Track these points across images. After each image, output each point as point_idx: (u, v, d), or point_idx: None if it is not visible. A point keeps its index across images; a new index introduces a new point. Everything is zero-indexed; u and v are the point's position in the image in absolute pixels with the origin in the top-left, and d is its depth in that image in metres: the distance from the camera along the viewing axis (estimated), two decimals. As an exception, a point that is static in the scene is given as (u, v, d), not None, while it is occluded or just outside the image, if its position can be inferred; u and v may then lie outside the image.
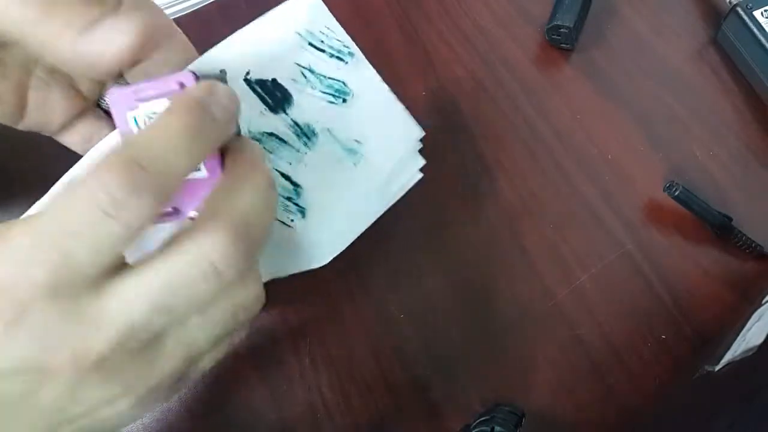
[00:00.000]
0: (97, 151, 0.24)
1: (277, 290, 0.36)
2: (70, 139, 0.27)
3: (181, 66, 0.23)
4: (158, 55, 0.23)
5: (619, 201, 0.38)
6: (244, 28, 0.26)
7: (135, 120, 0.21)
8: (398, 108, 0.33)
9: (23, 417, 0.18)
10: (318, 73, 0.29)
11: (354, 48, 0.31)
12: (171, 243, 0.19)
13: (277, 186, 0.23)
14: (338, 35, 0.30)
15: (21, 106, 0.25)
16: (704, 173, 0.38)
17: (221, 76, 0.22)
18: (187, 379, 0.22)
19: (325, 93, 0.29)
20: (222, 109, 0.20)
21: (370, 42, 0.44)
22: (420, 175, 0.35)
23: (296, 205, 0.28)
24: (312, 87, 0.29)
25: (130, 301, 0.18)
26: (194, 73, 0.21)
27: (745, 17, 0.40)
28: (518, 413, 0.30)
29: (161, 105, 0.21)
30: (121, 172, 0.17)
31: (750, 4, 0.40)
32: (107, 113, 0.28)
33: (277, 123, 0.27)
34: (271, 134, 0.27)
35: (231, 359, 0.34)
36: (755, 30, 0.40)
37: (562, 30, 0.41)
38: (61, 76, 0.26)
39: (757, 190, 0.38)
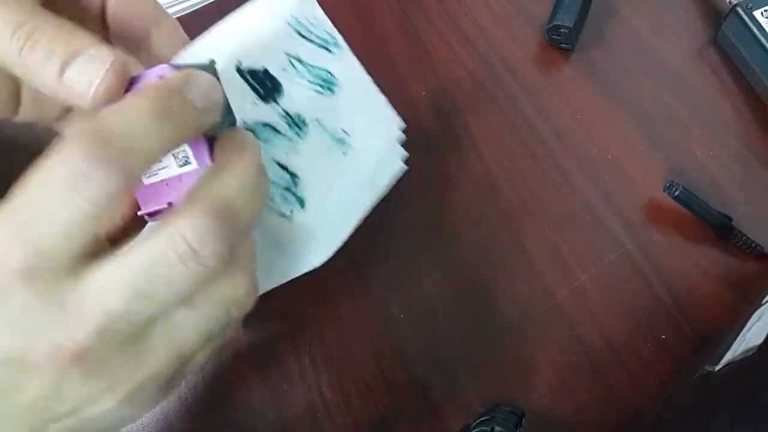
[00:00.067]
0: None
1: (277, 290, 0.36)
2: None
3: (172, 54, 0.23)
4: (148, 44, 0.23)
5: (619, 201, 0.38)
6: (232, 15, 0.26)
7: None
8: (381, 99, 0.34)
9: (7, 415, 0.18)
10: (306, 63, 0.29)
11: (340, 40, 0.31)
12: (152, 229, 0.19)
13: (269, 175, 0.23)
14: (325, 26, 0.30)
15: (15, 101, 0.24)
16: (704, 173, 0.39)
17: (210, 66, 0.22)
18: (179, 380, 0.22)
19: (312, 83, 0.29)
20: (201, 96, 0.20)
21: (370, 42, 0.44)
22: (405, 167, 0.35)
23: (294, 195, 0.28)
24: (301, 77, 0.28)
25: (109, 287, 0.18)
26: (173, 65, 0.21)
27: (745, 17, 0.40)
28: (518, 413, 0.30)
29: None
30: (83, 145, 0.17)
31: (750, 4, 0.40)
32: None
33: (269, 113, 0.26)
34: (265, 124, 0.26)
35: (231, 359, 0.34)
36: (755, 30, 0.40)
37: (562, 30, 0.41)
38: None
39: (757, 190, 0.38)
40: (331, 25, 0.31)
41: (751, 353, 0.29)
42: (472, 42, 0.44)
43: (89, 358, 0.18)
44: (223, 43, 0.25)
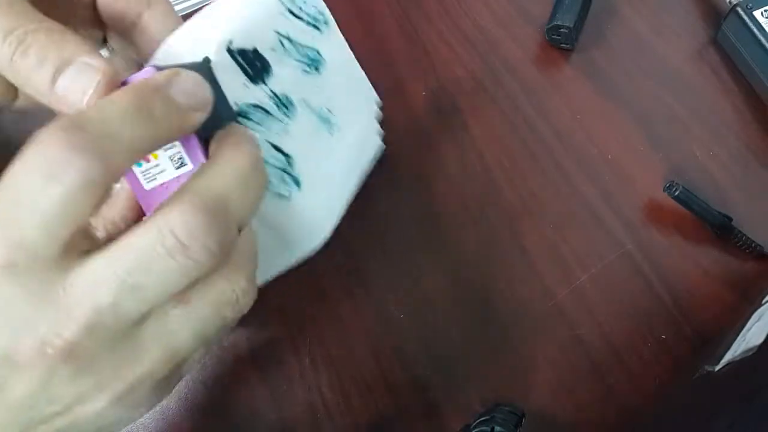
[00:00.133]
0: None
1: (277, 290, 0.36)
2: None
3: (164, 35, 0.23)
4: (141, 25, 0.23)
5: (619, 201, 0.38)
6: None
7: None
8: (361, 76, 0.34)
9: None
10: (295, 42, 0.28)
11: (328, 16, 0.30)
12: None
13: (264, 156, 0.22)
14: (315, 2, 0.30)
15: (14, 88, 0.24)
16: (704, 173, 0.38)
17: (204, 65, 0.22)
18: (174, 382, 0.21)
19: (300, 62, 0.28)
20: (185, 94, 0.19)
21: (370, 42, 0.44)
22: (383, 146, 0.35)
23: (290, 175, 0.28)
24: (289, 56, 0.28)
25: (97, 281, 0.17)
26: (157, 67, 0.20)
27: (745, 17, 0.40)
28: (518, 413, 0.30)
29: None
30: (59, 134, 0.17)
31: (750, 4, 0.40)
32: None
33: (259, 94, 0.26)
34: (256, 106, 0.26)
35: (231, 359, 0.34)
36: (755, 30, 0.40)
37: (562, 30, 0.41)
38: None
39: (757, 190, 0.38)
40: (321, 0, 0.30)
41: (751, 353, 0.29)
42: (472, 42, 0.44)
43: (78, 355, 0.17)
44: (215, 22, 0.24)
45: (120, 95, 0.18)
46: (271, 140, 0.27)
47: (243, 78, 0.25)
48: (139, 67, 0.24)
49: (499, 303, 0.35)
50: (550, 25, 0.42)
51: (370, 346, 0.34)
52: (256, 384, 0.34)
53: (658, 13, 0.44)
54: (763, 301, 0.33)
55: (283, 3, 0.27)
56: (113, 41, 0.27)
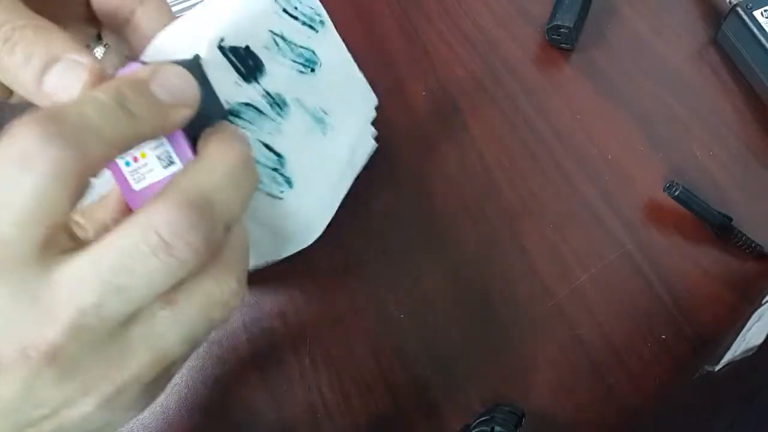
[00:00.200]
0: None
1: (277, 290, 0.36)
2: None
3: (157, 31, 0.23)
4: (134, 21, 0.22)
5: (619, 201, 0.38)
6: None
7: None
8: (359, 77, 0.34)
9: None
10: (290, 41, 0.28)
11: (325, 16, 0.30)
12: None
13: (255, 164, 0.22)
14: (310, 2, 0.29)
15: (7, 87, 0.24)
16: (704, 173, 0.38)
17: (194, 62, 0.22)
18: (164, 384, 0.21)
19: (295, 62, 0.28)
20: (167, 90, 0.19)
21: (370, 42, 0.44)
22: (375, 144, 0.35)
23: (282, 175, 0.27)
24: (283, 55, 0.28)
25: (80, 280, 0.17)
26: (143, 63, 0.20)
27: (745, 17, 0.40)
28: (518, 413, 0.30)
29: None
30: (32, 125, 0.16)
31: (750, 4, 0.40)
32: None
33: (251, 93, 0.26)
34: (248, 105, 0.25)
35: (231, 359, 0.34)
36: (755, 30, 0.40)
37: (562, 30, 0.41)
38: None
39: (757, 190, 0.38)
40: (318, 0, 0.30)
41: (751, 353, 0.29)
42: (472, 42, 0.44)
43: (62, 358, 0.17)
44: (207, 19, 0.24)
45: (99, 89, 0.18)
46: (263, 140, 0.26)
47: (235, 76, 0.25)
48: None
49: (499, 303, 0.35)
50: (550, 25, 0.42)
51: (370, 346, 0.34)
52: (256, 384, 0.34)
53: (658, 13, 0.44)
54: (763, 301, 0.33)
55: (277, 2, 0.27)
56: (108, 38, 0.27)
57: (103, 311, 0.17)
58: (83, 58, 0.19)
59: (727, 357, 0.31)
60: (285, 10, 0.28)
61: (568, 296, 0.35)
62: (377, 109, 0.36)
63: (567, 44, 0.42)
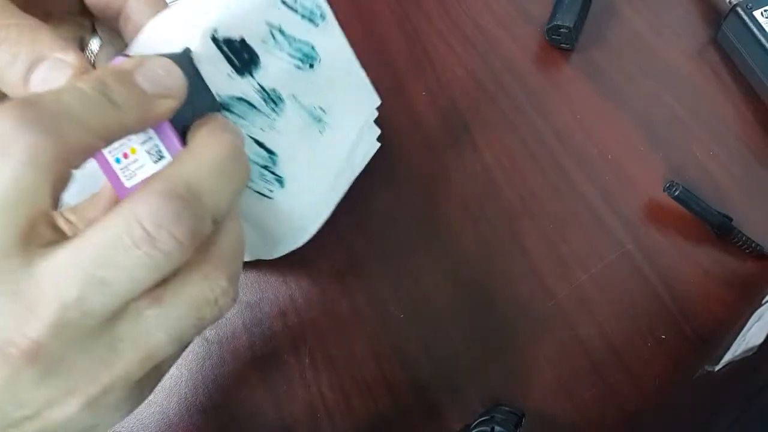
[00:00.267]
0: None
1: (277, 290, 0.36)
2: None
3: (150, 17, 0.22)
4: (126, 10, 0.22)
5: (619, 201, 0.38)
6: None
7: None
8: (361, 75, 0.32)
9: None
10: (288, 35, 0.27)
11: (326, 10, 0.29)
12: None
13: (247, 156, 0.21)
14: None
15: None
16: (704, 173, 0.39)
17: (184, 55, 0.21)
18: (152, 384, 0.21)
19: (292, 57, 0.27)
20: (152, 81, 0.19)
21: (370, 42, 0.44)
22: (378, 145, 0.35)
23: (273, 173, 0.27)
24: (280, 49, 0.26)
25: (62, 274, 0.16)
26: (128, 56, 0.20)
27: (745, 17, 0.40)
28: (518, 413, 0.30)
29: None
30: (9, 113, 0.16)
31: (750, 4, 0.40)
32: None
33: (244, 87, 0.25)
34: (240, 99, 0.24)
35: (231, 359, 0.34)
36: (755, 30, 0.40)
37: (562, 30, 0.41)
38: None
39: (757, 190, 0.38)
40: None
41: (751, 353, 0.30)
42: (472, 42, 0.44)
43: (45, 356, 0.16)
44: (202, 8, 0.23)
45: (80, 79, 0.18)
46: (254, 135, 0.26)
47: (228, 68, 0.24)
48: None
49: (499, 303, 0.35)
50: (550, 25, 0.42)
51: (370, 346, 0.34)
52: (256, 384, 0.34)
53: (658, 13, 0.44)
54: (763, 301, 0.33)
55: None
56: (102, 30, 0.26)
57: (86, 305, 0.16)
58: (69, 57, 0.19)
59: (727, 357, 0.31)
60: (284, 2, 0.26)
61: (568, 296, 0.35)
62: (378, 108, 0.36)
63: (567, 44, 0.42)
